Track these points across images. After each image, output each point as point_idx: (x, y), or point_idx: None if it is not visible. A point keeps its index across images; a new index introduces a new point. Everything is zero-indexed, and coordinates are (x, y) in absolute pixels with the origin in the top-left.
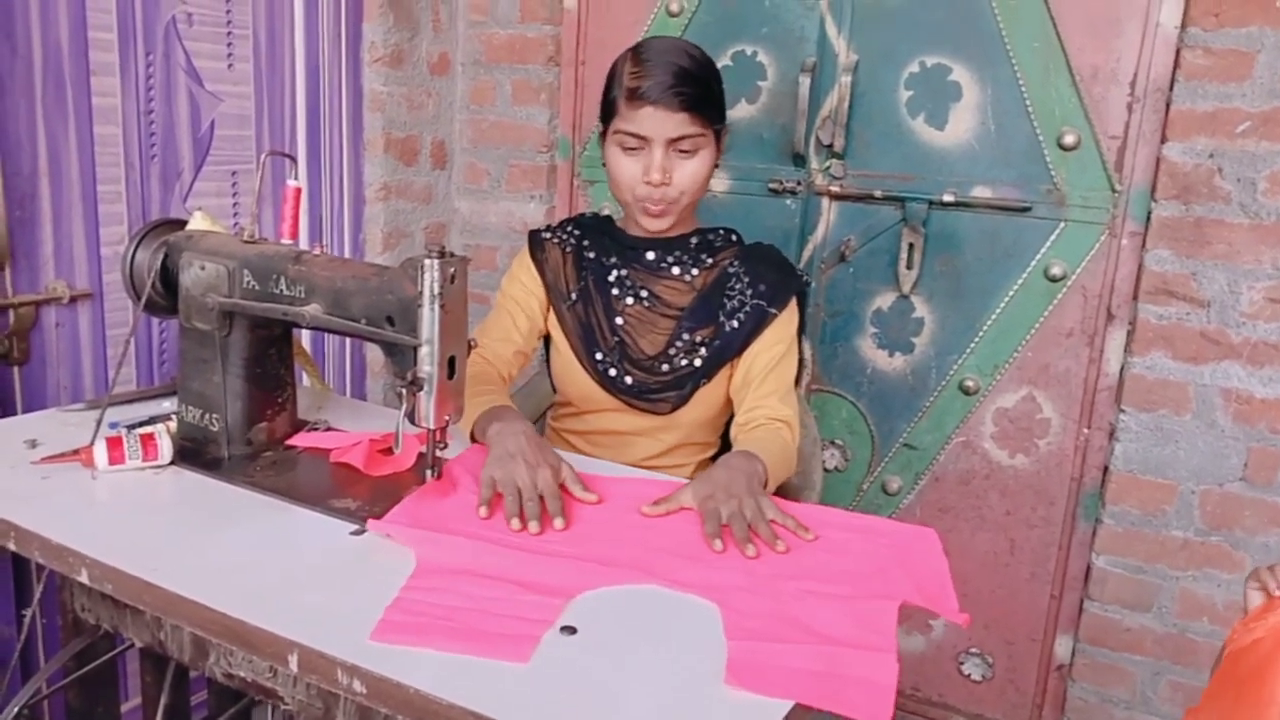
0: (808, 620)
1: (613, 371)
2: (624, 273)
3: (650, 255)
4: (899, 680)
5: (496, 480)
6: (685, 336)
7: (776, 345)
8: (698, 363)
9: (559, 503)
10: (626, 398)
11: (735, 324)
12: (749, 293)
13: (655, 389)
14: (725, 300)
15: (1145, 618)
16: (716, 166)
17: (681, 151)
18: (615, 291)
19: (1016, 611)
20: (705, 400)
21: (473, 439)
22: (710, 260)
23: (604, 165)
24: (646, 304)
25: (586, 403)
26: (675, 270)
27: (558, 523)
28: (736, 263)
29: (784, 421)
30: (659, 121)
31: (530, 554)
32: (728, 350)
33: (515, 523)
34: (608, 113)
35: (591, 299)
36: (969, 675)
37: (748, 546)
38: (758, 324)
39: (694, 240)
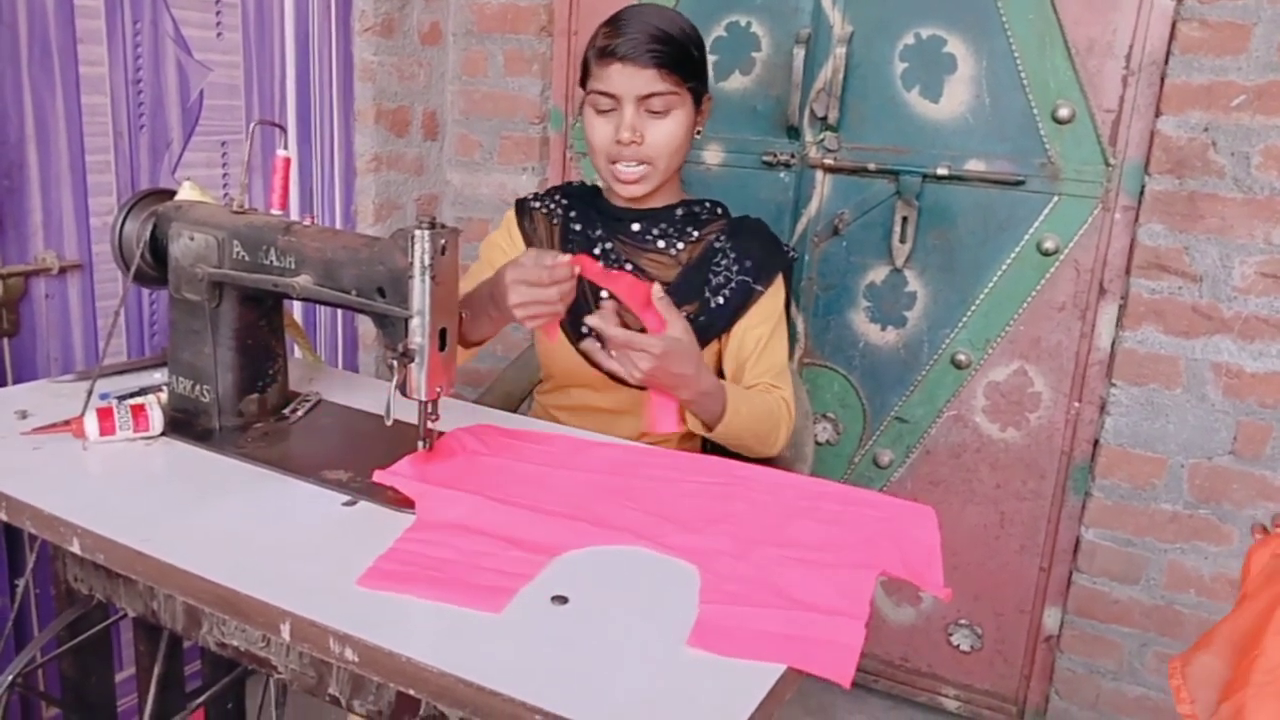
0: (785, 586)
1: (599, 345)
2: (609, 245)
3: (635, 227)
4: (890, 650)
5: (512, 283)
6: None
7: (764, 323)
8: None
9: (569, 287)
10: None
11: (721, 300)
12: (735, 269)
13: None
14: (711, 276)
15: (1133, 590)
16: (698, 134)
17: (653, 112)
18: (602, 264)
19: (1006, 583)
20: None
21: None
22: (696, 234)
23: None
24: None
25: (571, 378)
26: (660, 244)
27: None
28: (723, 238)
29: (782, 398)
30: (628, 78)
31: (527, 511)
32: (713, 327)
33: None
34: (584, 77)
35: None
36: (958, 646)
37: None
38: (744, 301)
39: (679, 211)
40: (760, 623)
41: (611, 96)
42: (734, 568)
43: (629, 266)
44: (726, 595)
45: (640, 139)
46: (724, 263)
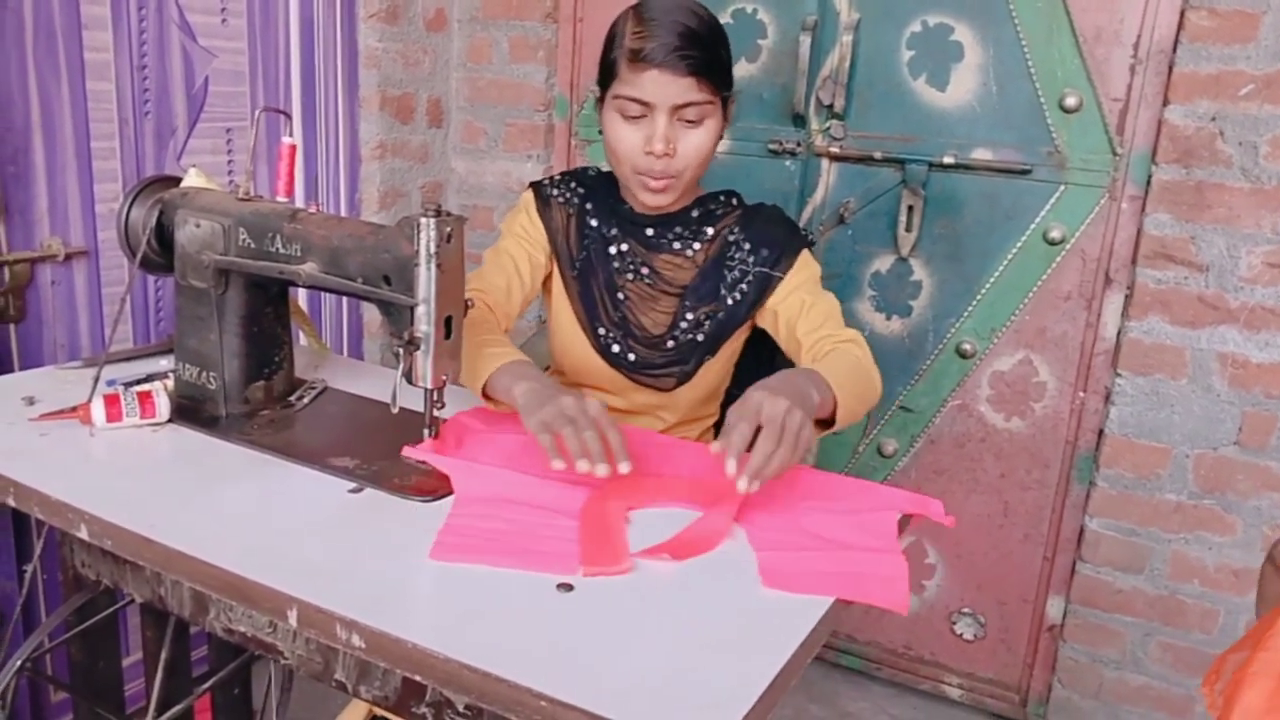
0: (818, 530)
1: (616, 347)
2: (625, 247)
3: (649, 232)
4: (893, 638)
5: (547, 423)
6: (689, 316)
7: (800, 289)
8: (700, 338)
9: (619, 435)
10: (630, 374)
11: (738, 295)
12: (751, 260)
13: (659, 364)
14: (726, 273)
15: (1137, 579)
16: (721, 139)
17: (687, 121)
18: (616, 265)
19: (1009, 573)
20: (708, 376)
21: (484, 396)
22: (711, 232)
23: (601, 134)
24: (648, 281)
25: (584, 376)
26: (676, 245)
27: (623, 467)
28: (737, 229)
29: (849, 340)
30: (663, 86)
31: (557, 482)
32: (731, 323)
33: (583, 464)
34: (606, 76)
35: (594, 270)
36: (961, 635)
37: (744, 481)
38: (763, 290)
39: (695, 212)
40: (813, 564)
41: (643, 104)
42: (768, 520)
43: (645, 270)
44: (772, 543)
45: (673, 151)
46: (739, 255)
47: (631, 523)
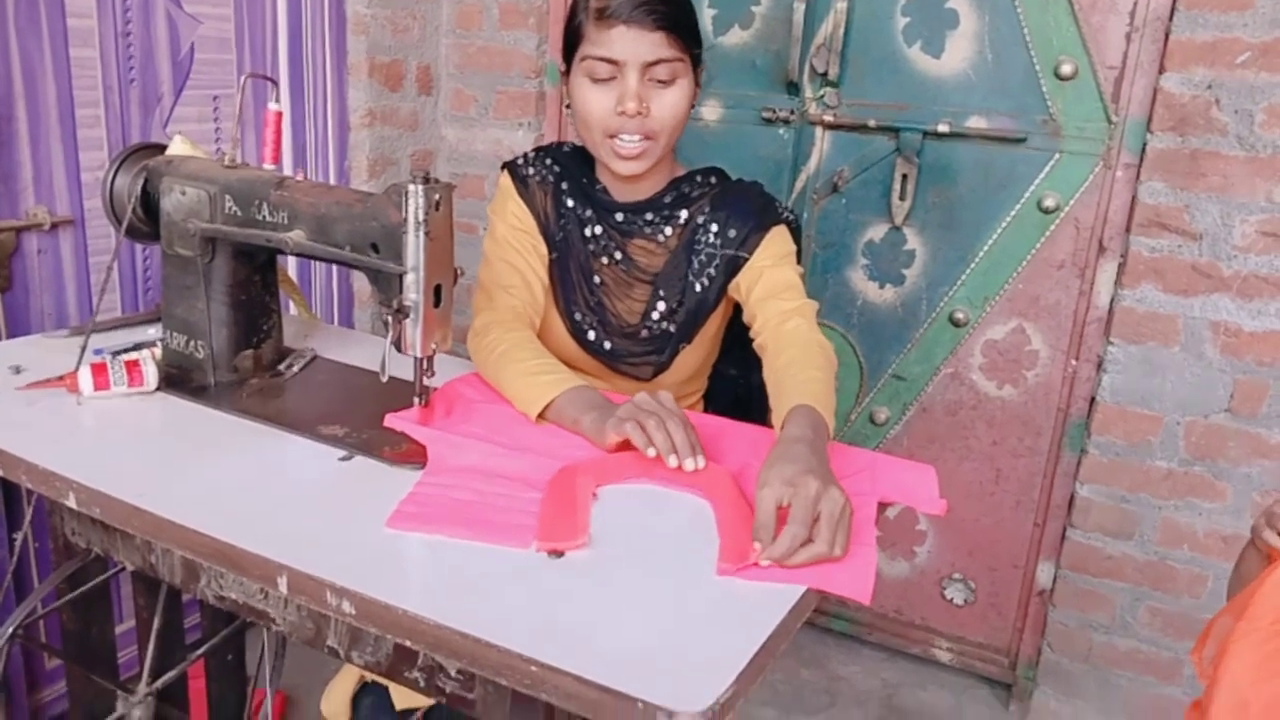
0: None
1: (591, 334)
2: (599, 230)
3: (620, 218)
4: (884, 603)
5: (625, 419)
6: (661, 306)
7: (766, 260)
8: (673, 329)
9: (692, 431)
10: (607, 362)
11: (706, 280)
12: (718, 242)
13: (636, 354)
14: (693, 258)
15: (1127, 545)
16: (693, 107)
17: (658, 81)
18: (592, 248)
19: (1000, 539)
20: (688, 361)
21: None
22: (685, 215)
23: (567, 107)
24: (622, 267)
25: (563, 360)
26: (648, 231)
27: (695, 462)
28: (708, 209)
29: (795, 311)
30: (632, 42)
31: (534, 455)
32: (702, 311)
33: (672, 459)
34: (572, 42)
35: (571, 252)
36: (951, 600)
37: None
38: (730, 275)
39: (668, 197)
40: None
41: (612, 63)
42: (740, 502)
43: (619, 254)
44: (740, 525)
45: (646, 110)
46: (705, 239)
47: (599, 499)
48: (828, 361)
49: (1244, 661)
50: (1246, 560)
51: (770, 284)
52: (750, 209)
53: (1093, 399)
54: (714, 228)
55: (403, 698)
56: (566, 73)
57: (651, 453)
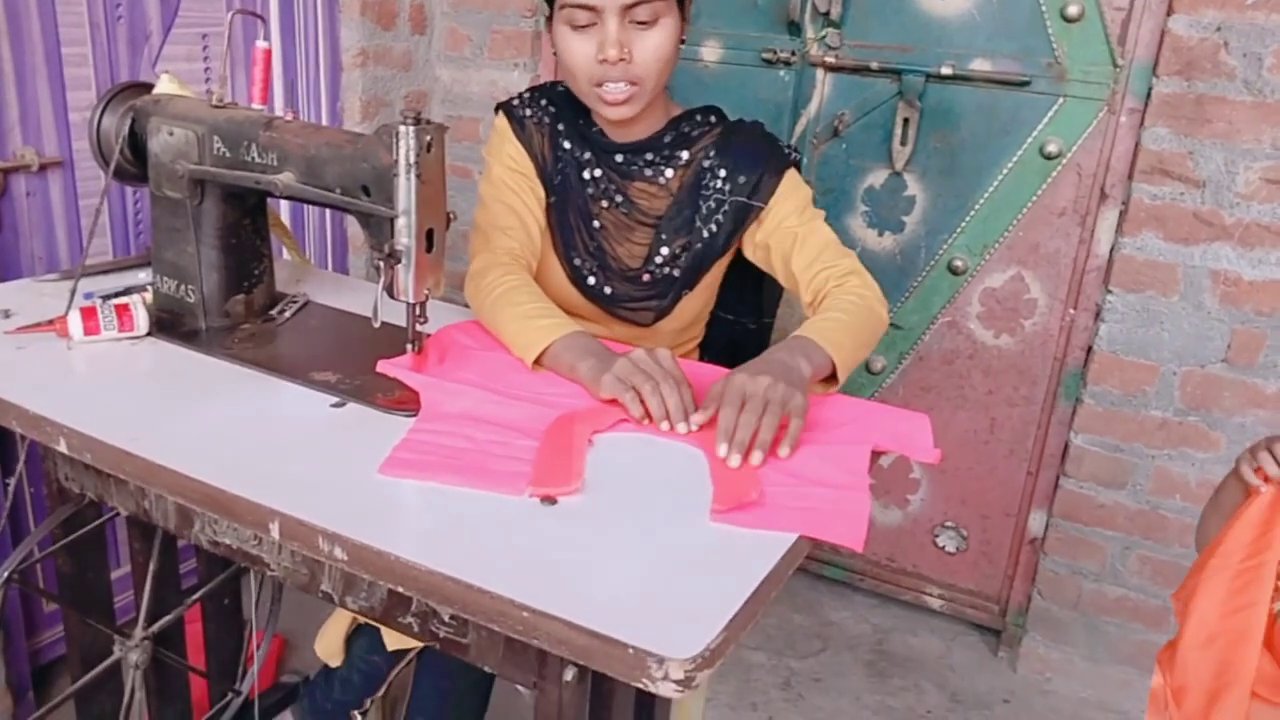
0: (787, 464)
1: (591, 280)
2: (598, 172)
3: (619, 159)
4: (876, 551)
5: (622, 378)
6: (664, 250)
7: (786, 221)
8: (677, 273)
9: (688, 390)
10: (607, 307)
11: (714, 227)
12: (727, 188)
13: (637, 299)
14: (701, 202)
15: (1119, 494)
16: (683, 42)
17: (639, 23)
18: (590, 191)
19: (993, 487)
20: (688, 308)
21: (537, 363)
22: (686, 156)
23: (554, 55)
24: (623, 210)
25: (561, 306)
26: (648, 173)
27: (688, 425)
28: (714, 153)
29: (849, 271)
30: None
31: (528, 403)
32: (709, 256)
33: (664, 425)
34: None
35: (569, 195)
36: (943, 547)
37: (733, 456)
38: (740, 222)
39: (667, 137)
40: (772, 498)
41: (590, 9)
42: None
43: (619, 198)
44: (734, 472)
45: (628, 55)
46: (714, 184)
47: (594, 446)
48: (866, 316)
49: (1213, 598)
50: (1226, 490)
51: (811, 249)
52: (758, 153)
53: (1090, 348)
54: (722, 173)
55: (395, 639)
56: (550, 19)
57: (645, 420)
